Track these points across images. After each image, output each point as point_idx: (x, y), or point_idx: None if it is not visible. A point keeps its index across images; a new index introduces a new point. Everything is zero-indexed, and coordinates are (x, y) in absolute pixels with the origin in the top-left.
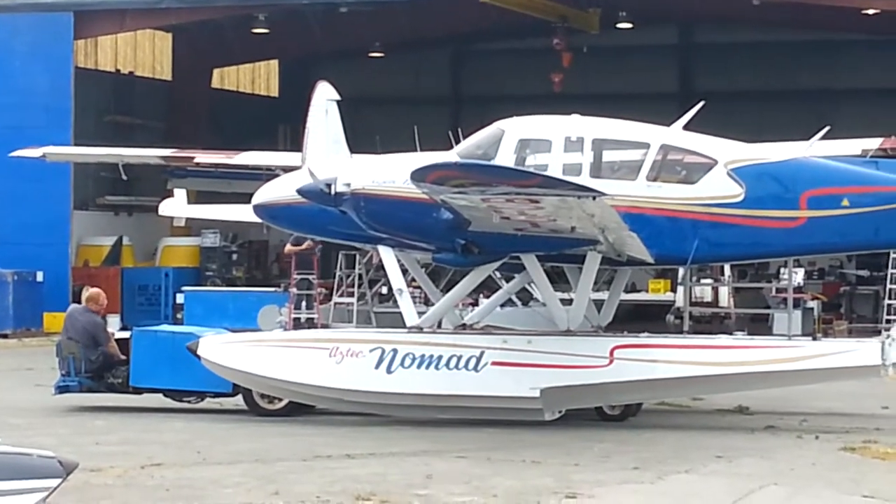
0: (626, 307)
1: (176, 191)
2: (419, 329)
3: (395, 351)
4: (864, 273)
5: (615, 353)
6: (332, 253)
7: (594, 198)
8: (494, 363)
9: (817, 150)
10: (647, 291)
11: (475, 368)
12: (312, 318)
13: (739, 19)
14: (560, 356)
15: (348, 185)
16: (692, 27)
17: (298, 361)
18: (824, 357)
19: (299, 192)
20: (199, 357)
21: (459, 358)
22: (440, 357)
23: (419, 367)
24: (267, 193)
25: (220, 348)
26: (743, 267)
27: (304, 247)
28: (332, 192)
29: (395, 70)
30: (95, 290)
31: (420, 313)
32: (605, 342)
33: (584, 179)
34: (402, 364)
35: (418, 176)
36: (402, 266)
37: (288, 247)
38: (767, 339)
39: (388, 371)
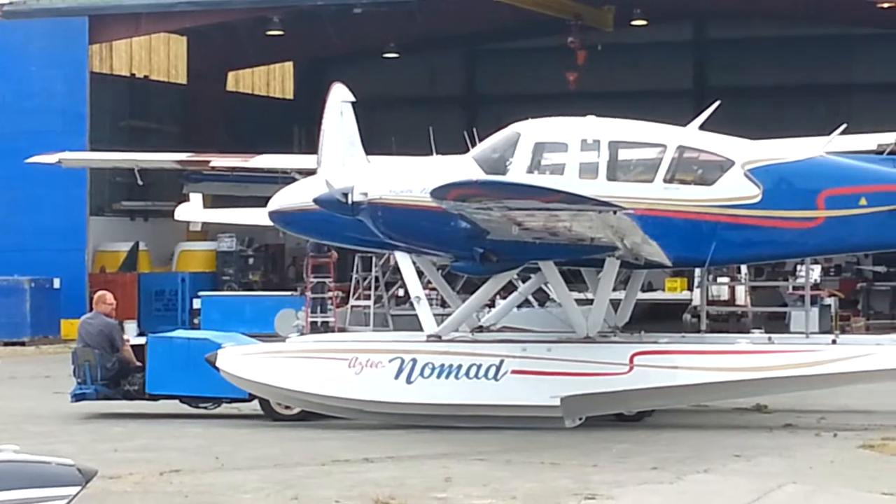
0: (642, 306)
1: (192, 195)
2: (438, 337)
3: (414, 361)
4: (882, 269)
5: (635, 359)
6: (348, 256)
7: (615, 212)
8: (514, 371)
9: (833, 146)
10: (663, 290)
11: (495, 377)
12: (329, 322)
13: (754, 15)
14: (580, 364)
15: (365, 194)
16: (706, 23)
17: (318, 372)
18: (844, 361)
19: (316, 201)
20: (217, 369)
21: (479, 367)
22: (459, 366)
23: (439, 376)
24: (282, 200)
25: (239, 360)
26: (759, 265)
27: (328, 259)
28: (349, 201)
29: (410, 70)
30: (100, 292)
31: (437, 316)
32: (624, 349)
33: (601, 182)
34: (421, 374)
35: (439, 193)
36: (418, 270)
37: (311, 259)
38: (787, 343)
39: (408, 381)
